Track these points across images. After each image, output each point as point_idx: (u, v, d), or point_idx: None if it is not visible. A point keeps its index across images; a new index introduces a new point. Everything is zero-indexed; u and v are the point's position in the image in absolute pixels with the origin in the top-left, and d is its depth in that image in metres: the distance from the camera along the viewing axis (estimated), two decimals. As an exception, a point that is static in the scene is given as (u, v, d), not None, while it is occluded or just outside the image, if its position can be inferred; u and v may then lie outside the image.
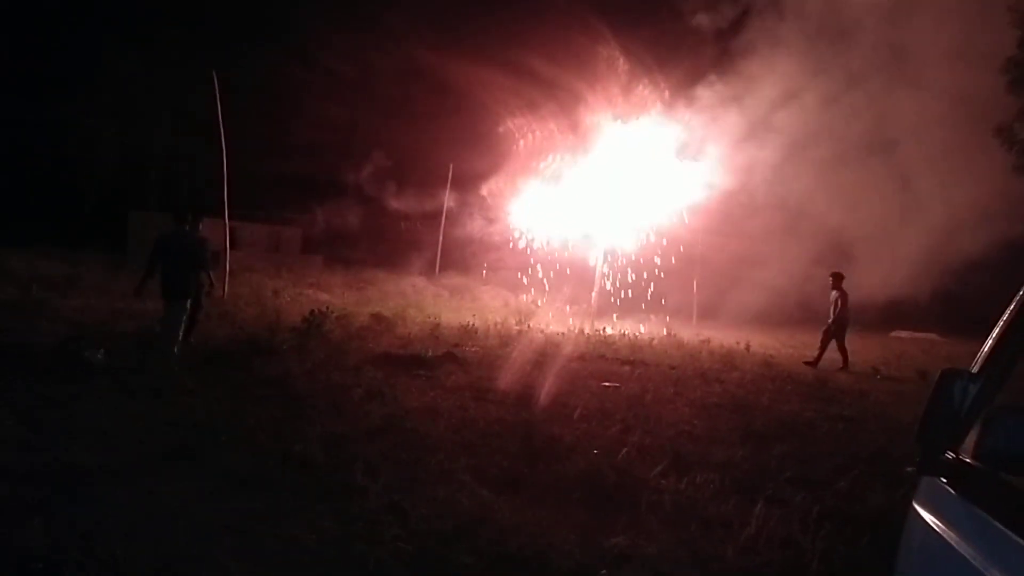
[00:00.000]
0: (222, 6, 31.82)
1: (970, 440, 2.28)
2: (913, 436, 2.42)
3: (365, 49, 31.36)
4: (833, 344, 15.51)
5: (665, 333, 17.98)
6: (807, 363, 15.34)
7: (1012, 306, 2.34)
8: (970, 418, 2.30)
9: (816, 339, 16.07)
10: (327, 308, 13.64)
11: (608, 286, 21.16)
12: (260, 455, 6.32)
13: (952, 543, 2.14)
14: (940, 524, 2.27)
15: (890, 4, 20.77)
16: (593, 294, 20.69)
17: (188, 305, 10.00)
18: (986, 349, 2.39)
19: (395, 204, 29.60)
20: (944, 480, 2.34)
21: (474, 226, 26.05)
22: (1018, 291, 2.35)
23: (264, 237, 31.59)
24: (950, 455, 2.33)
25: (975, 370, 2.37)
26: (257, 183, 27.52)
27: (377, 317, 15.78)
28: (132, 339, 11.00)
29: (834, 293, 15.82)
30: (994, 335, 2.38)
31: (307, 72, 31.87)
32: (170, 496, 5.25)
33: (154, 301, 14.51)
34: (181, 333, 9.93)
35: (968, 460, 2.26)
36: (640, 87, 20.12)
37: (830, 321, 15.68)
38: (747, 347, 16.30)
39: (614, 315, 20.63)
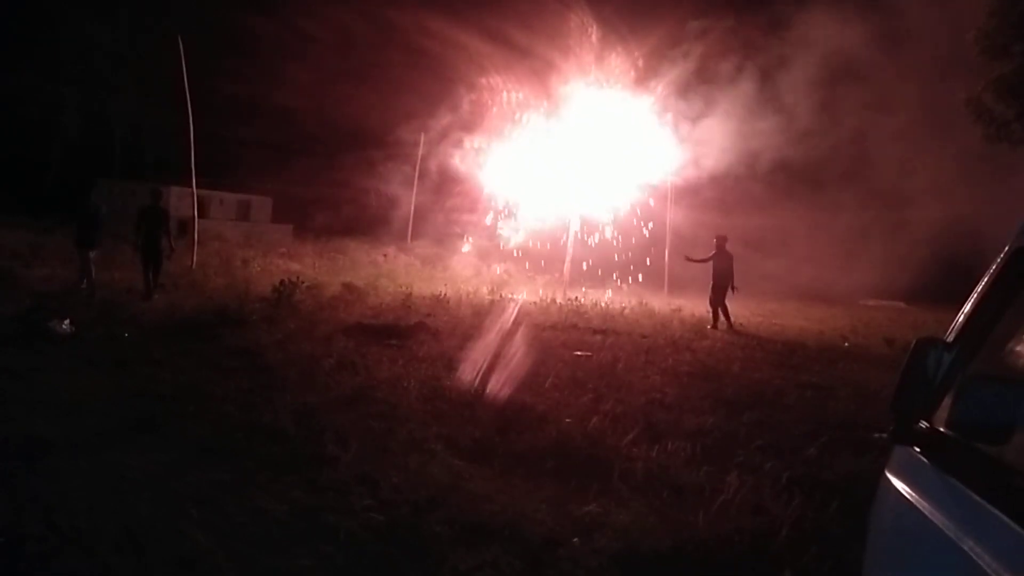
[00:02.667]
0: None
1: (944, 409, 2.26)
2: (887, 405, 2.41)
3: (336, 13, 30.81)
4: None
5: (637, 302, 18.03)
6: (712, 327, 15.51)
7: (986, 276, 2.32)
8: (944, 387, 2.29)
9: (781, 308, 16.44)
10: (297, 278, 13.51)
11: (580, 256, 21.14)
12: (228, 426, 6.23)
13: (925, 512, 2.13)
14: (913, 493, 2.26)
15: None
16: (566, 264, 20.67)
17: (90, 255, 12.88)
18: (960, 319, 2.37)
19: (367, 172, 29.30)
20: (917, 449, 2.33)
21: (446, 195, 25.90)
22: (991, 263, 2.33)
23: (233, 205, 31.15)
24: (924, 424, 2.32)
25: (950, 339, 2.36)
26: (226, 150, 27.08)
27: (348, 287, 15.65)
28: (97, 308, 10.81)
29: (713, 254, 16.23)
30: (968, 305, 2.37)
31: (278, 36, 31.29)
32: (135, 468, 5.16)
33: (121, 272, 14.38)
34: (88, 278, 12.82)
35: (942, 429, 2.25)
36: (614, 55, 19.98)
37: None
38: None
39: (585, 286, 20.65)
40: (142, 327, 10.24)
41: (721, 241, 16.35)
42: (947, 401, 2.27)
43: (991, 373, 2.24)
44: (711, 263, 16.22)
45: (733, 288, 16.08)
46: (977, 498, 1.93)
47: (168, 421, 6.28)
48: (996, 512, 1.83)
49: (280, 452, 5.68)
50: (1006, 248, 2.27)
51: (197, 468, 5.28)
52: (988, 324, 2.28)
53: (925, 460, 2.28)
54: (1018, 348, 2.22)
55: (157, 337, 9.64)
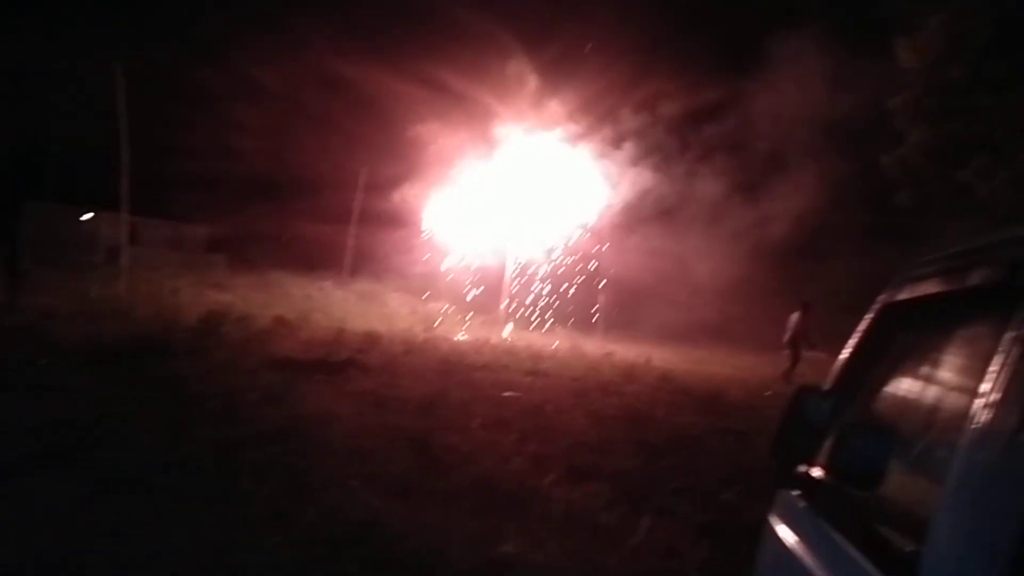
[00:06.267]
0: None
1: (822, 455, 2.39)
2: (769, 450, 2.54)
3: (278, 53, 30.74)
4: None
5: (570, 345, 18.20)
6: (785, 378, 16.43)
7: (860, 327, 2.48)
8: (823, 433, 2.42)
9: (709, 355, 17.09)
10: (228, 309, 13.34)
11: (516, 297, 21.31)
12: (144, 458, 6.12)
13: (799, 554, 2.24)
14: (791, 536, 2.38)
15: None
16: (501, 304, 20.80)
17: None
18: (837, 367, 2.52)
19: (306, 207, 29.09)
20: (797, 493, 2.46)
21: (385, 232, 25.89)
22: (865, 313, 2.49)
23: (167, 234, 30.60)
24: (803, 469, 2.45)
25: (827, 387, 2.50)
26: (164, 180, 26.68)
27: (280, 320, 15.45)
28: (12, 336, 10.51)
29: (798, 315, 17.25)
30: (844, 354, 2.52)
31: (218, 73, 31.04)
32: (44, 500, 5.04)
33: (47, 296, 14.00)
34: None
35: (819, 474, 2.38)
36: (549, 102, 20.39)
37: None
38: (648, 361, 16.64)
39: (519, 326, 20.78)
40: (62, 354, 9.97)
41: (806, 306, 17.29)
42: (825, 447, 2.40)
43: (864, 421, 2.39)
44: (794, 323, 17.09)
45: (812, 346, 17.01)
46: (843, 540, 2.05)
47: (83, 452, 6.14)
48: (858, 556, 1.94)
49: (195, 486, 5.60)
50: (875, 303, 2.43)
51: (109, 501, 5.17)
52: (861, 374, 2.43)
53: (804, 504, 2.40)
54: (887, 398, 2.37)
55: (76, 364, 9.40)
